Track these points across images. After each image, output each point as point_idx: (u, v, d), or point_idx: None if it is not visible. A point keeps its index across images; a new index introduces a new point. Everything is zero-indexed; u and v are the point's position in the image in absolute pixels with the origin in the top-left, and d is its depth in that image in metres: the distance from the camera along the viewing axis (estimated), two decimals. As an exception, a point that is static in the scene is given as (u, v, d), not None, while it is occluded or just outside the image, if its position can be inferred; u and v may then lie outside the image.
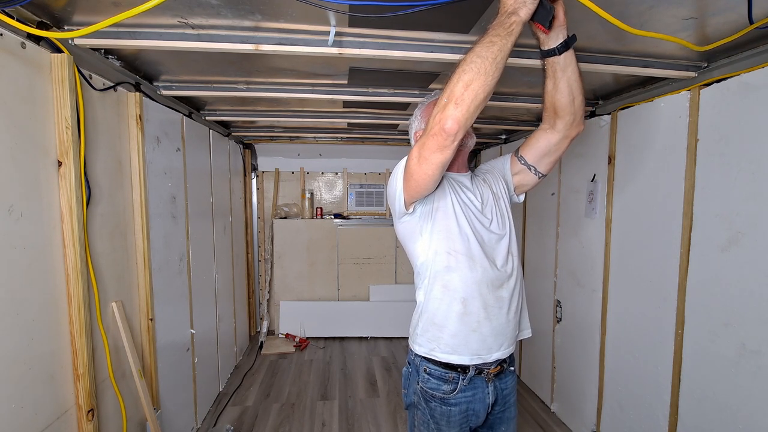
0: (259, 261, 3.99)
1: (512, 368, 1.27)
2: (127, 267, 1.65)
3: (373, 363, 3.33)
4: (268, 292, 3.87)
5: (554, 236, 2.52)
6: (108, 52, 1.53)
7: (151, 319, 1.76)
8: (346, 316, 3.85)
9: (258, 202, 3.97)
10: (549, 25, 0.99)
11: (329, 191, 4.11)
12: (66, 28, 1.28)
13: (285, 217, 3.92)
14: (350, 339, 3.84)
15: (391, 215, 4.05)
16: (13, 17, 1.08)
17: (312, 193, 3.99)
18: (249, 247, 3.75)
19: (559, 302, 2.47)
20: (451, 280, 1.15)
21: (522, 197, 1.37)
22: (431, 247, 1.17)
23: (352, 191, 4.10)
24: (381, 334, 3.86)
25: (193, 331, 2.25)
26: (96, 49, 1.45)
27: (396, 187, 1.15)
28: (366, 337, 3.86)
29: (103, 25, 1.05)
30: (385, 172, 4.10)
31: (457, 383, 1.16)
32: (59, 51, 1.24)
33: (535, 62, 1.47)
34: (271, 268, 3.89)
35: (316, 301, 3.90)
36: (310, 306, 3.86)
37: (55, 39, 1.21)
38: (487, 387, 1.19)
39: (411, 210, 1.17)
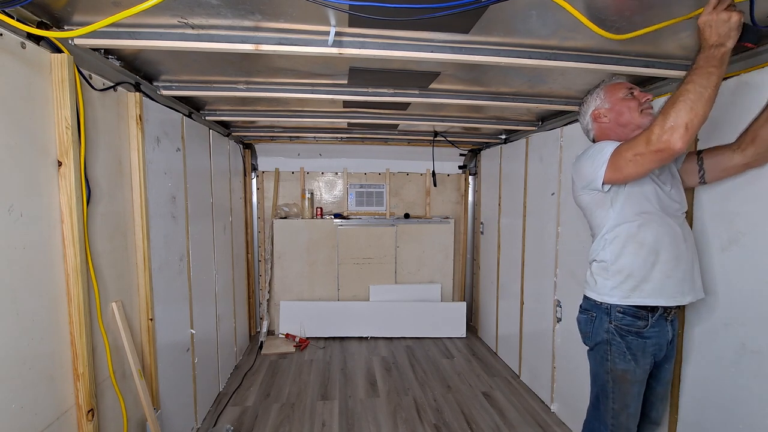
0: (259, 261, 4.00)
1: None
2: (127, 267, 1.65)
3: (373, 363, 3.33)
4: (268, 292, 3.87)
5: (554, 236, 2.52)
6: (108, 52, 1.53)
7: (151, 319, 1.76)
8: (346, 316, 3.85)
9: (258, 202, 3.97)
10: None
11: (329, 191, 4.11)
12: (66, 28, 1.29)
13: (285, 217, 3.92)
14: (350, 339, 3.84)
15: (391, 216, 4.09)
16: (13, 17, 1.08)
17: (312, 193, 3.99)
18: (249, 247, 3.75)
19: (559, 302, 2.47)
20: (646, 237, 1.31)
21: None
22: (624, 211, 1.34)
23: (352, 191, 4.10)
24: (381, 334, 3.86)
25: (193, 331, 2.25)
26: (96, 49, 1.46)
27: (597, 174, 1.30)
28: (366, 337, 3.86)
29: (102, 24, 1.05)
30: (385, 172, 4.09)
31: (648, 320, 1.34)
32: (59, 51, 1.24)
33: (535, 62, 1.48)
34: (271, 268, 3.89)
35: (316, 301, 3.90)
36: (310, 306, 3.86)
37: (55, 39, 1.21)
38: (667, 325, 1.37)
39: (606, 189, 1.34)
